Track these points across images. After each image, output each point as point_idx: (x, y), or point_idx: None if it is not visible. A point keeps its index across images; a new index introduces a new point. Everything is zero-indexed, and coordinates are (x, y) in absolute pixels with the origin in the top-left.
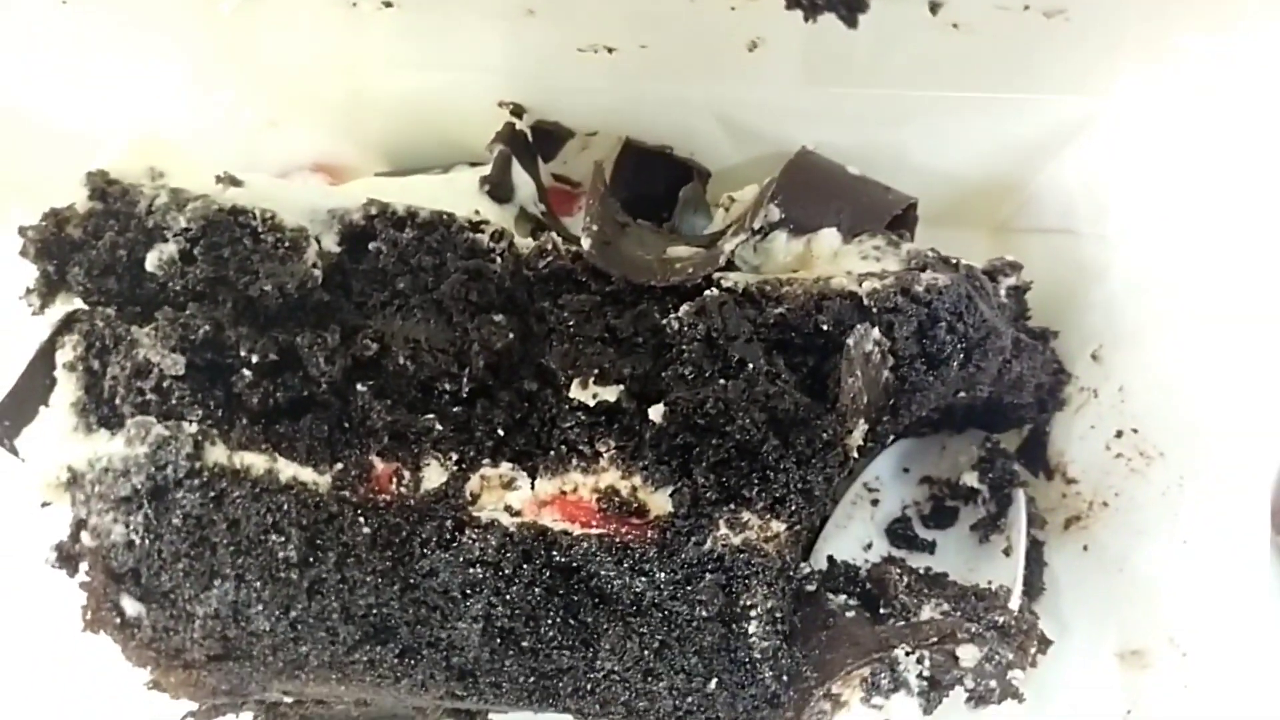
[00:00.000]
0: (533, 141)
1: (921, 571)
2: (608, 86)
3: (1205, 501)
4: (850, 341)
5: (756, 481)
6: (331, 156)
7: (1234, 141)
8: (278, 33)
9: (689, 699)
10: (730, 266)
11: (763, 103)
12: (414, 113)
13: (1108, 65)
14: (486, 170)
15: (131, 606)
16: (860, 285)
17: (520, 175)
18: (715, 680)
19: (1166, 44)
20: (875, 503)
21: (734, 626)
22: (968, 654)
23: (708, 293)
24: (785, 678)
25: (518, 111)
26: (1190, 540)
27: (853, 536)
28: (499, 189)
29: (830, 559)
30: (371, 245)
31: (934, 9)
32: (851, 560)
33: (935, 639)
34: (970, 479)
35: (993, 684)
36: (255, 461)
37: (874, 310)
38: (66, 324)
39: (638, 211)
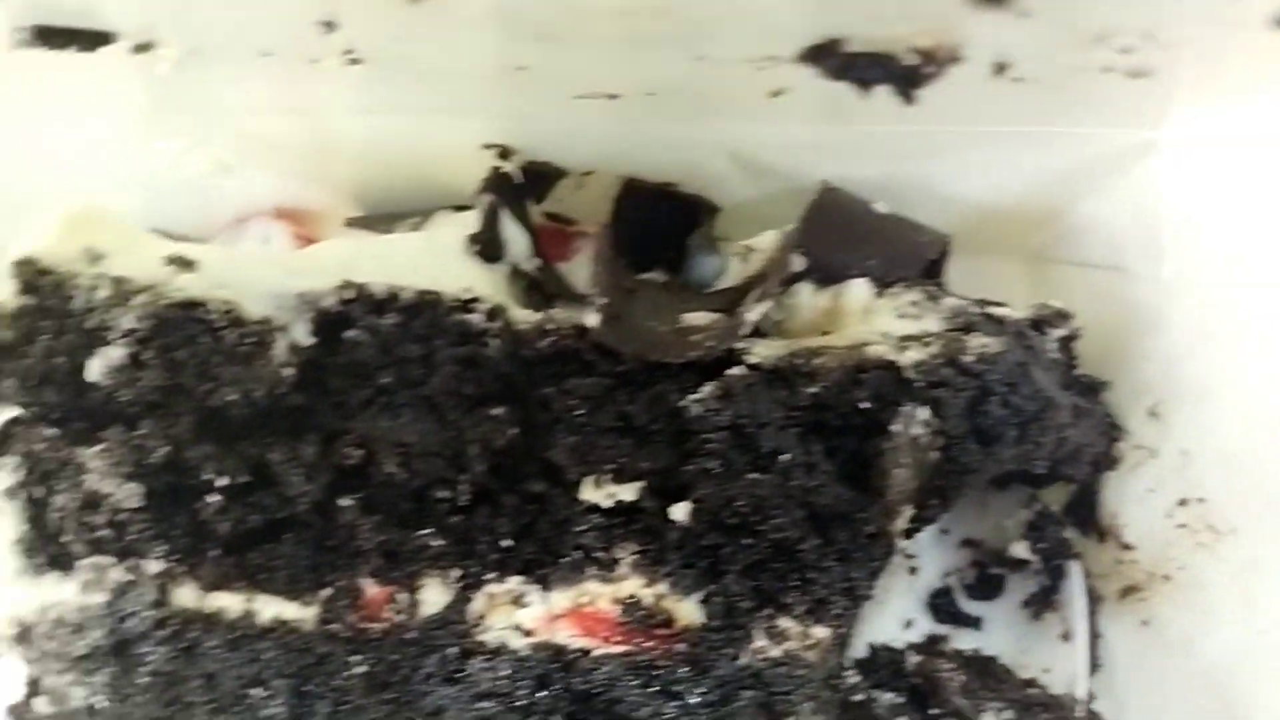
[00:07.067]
0: (522, 183)
1: (970, 654)
2: (607, 129)
3: None
4: (897, 428)
5: (796, 584)
6: (295, 201)
7: None
8: (228, 84)
9: None
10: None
11: (781, 140)
12: (388, 155)
13: (1162, 98)
14: (472, 222)
15: None
16: (901, 354)
17: (510, 228)
18: None
19: (1227, 77)
20: (913, 570)
21: None
22: None
23: (731, 372)
24: None
25: (505, 154)
26: (1270, 631)
27: (891, 614)
28: (488, 247)
29: (872, 648)
30: (348, 334)
31: (999, 69)
32: (892, 643)
33: None
34: (1020, 550)
35: None
36: (229, 603)
37: (919, 385)
38: (4, 439)
39: (640, 254)
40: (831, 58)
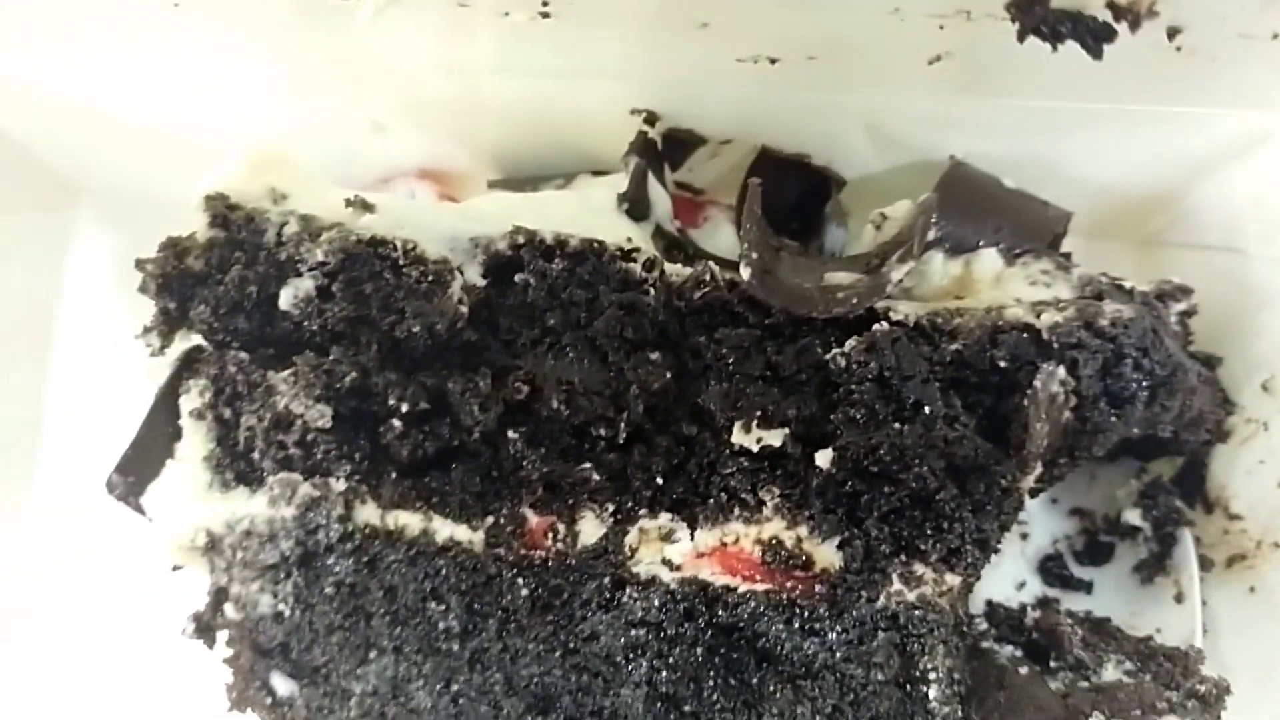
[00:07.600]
0: (662, 149)
1: (1084, 614)
2: (756, 96)
3: None
4: (1037, 384)
5: (931, 532)
6: (439, 162)
7: None
8: (394, 38)
9: None
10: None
11: (919, 112)
12: (532, 118)
13: None
14: (617, 182)
15: (283, 685)
16: (1038, 317)
17: (655, 190)
18: None
19: None
20: (1025, 536)
21: (912, 690)
22: None
23: (877, 327)
24: None
25: (651, 119)
26: None
27: (1004, 574)
28: (636, 206)
29: (989, 604)
30: (518, 277)
31: (1172, 34)
32: (1006, 602)
33: (1137, 710)
34: (1132, 516)
35: None
36: (409, 521)
37: (1055, 346)
38: (188, 364)
39: (771, 222)
40: (1037, 6)
